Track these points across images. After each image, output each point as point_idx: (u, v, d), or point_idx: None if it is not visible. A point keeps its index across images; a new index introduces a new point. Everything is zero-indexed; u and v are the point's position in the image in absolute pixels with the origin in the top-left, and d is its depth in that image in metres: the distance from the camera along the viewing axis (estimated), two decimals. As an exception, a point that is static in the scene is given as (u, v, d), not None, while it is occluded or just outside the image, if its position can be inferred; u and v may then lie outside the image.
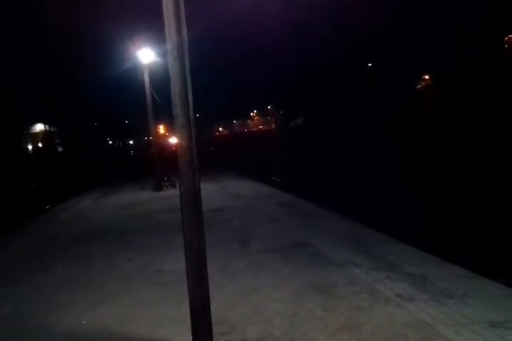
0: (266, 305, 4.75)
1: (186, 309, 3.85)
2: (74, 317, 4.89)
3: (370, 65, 44.57)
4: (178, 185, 3.81)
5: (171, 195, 13.84)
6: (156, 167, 16.48)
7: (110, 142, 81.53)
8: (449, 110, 27.32)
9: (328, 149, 26.11)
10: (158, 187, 15.84)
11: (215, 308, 4.00)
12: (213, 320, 3.86)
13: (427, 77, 39.84)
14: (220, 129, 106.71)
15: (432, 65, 34.48)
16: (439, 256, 5.89)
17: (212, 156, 36.25)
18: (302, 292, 5.04)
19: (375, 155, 19.95)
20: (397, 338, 3.84)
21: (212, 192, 13.75)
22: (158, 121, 20.46)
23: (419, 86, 40.42)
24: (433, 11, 30.81)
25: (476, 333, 3.80)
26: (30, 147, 41.13)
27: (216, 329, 3.92)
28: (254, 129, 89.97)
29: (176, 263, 5.70)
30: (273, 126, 78.98)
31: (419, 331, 3.92)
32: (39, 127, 42.42)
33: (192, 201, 3.78)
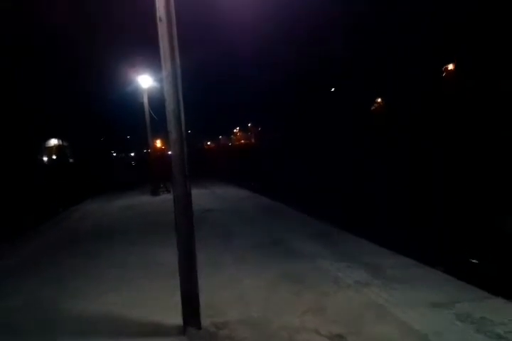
0: (246, 292, 4.72)
1: (178, 296, 3.82)
2: (84, 304, 4.79)
3: (332, 89, 45.28)
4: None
5: (166, 198, 13.71)
6: (154, 175, 16.38)
7: (114, 154, 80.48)
8: (398, 125, 27.96)
9: (297, 158, 26.26)
10: (155, 192, 15.74)
11: (203, 295, 3.96)
12: (201, 305, 3.84)
13: (379, 100, 40.87)
14: (208, 143, 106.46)
15: (384, 90, 35.52)
16: (392, 249, 5.95)
17: (201, 165, 36.03)
18: (277, 280, 5.03)
19: (342, 161, 20.00)
20: (356, 317, 3.86)
21: (203, 196, 13.69)
22: (155, 135, 20.28)
23: (373, 107, 41.46)
24: (385, 43, 31.80)
25: (419, 312, 3.86)
26: (45, 159, 40.37)
27: (203, 312, 3.89)
28: (236, 143, 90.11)
29: (170, 257, 5.61)
30: (252, 140, 79.32)
31: (373, 311, 3.96)
32: (53, 142, 41.77)
33: (184, 204, 3.77)
